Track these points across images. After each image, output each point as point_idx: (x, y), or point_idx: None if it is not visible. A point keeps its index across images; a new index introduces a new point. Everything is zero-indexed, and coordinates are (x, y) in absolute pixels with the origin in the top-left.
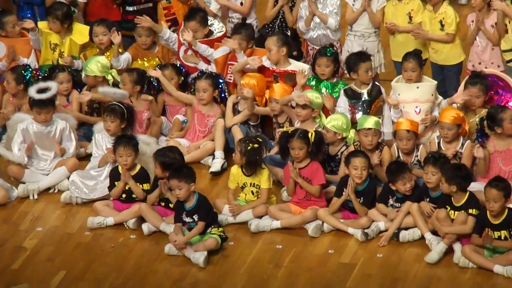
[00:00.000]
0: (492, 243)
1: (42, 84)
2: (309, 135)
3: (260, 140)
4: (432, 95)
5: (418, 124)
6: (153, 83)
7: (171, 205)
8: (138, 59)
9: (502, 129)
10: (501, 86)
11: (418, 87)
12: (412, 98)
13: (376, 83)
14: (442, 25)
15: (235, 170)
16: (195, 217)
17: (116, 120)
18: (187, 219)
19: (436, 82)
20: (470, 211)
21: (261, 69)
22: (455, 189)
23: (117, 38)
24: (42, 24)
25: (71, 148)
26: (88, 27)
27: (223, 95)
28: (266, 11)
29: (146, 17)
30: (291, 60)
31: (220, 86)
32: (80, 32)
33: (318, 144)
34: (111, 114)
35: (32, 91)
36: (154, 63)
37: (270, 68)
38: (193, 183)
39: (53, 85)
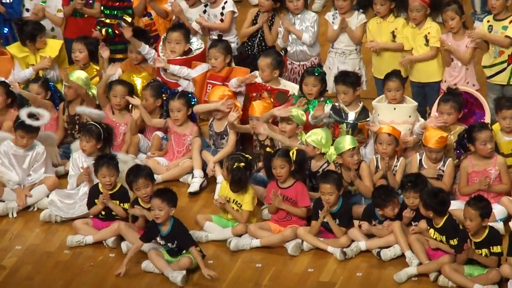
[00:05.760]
0: (473, 256)
1: (33, 109)
2: (291, 154)
3: (248, 158)
4: (410, 116)
5: (400, 132)
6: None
7: None
8: (128, 73)
9: (475, 148)
10: (471, 103)
11: (395, 108)
12: (389, 119)
13: (365, 107)
14: (427, 40)
15: (224, 183)
16: (171, 243)
17: (91, 140)
18: (162, 242)
19: (416, 103)
20: (451, 242)
21: (252, 85)
22: (431, 214)
23: (105, 52)
24: (12, 49)
25: (35, 177)
26: (60, 42)
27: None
28: (242, 28)
29: (127, 28)
30: (281, 80)
31: (193, 104)
32: (51, 47)
33: (300, 162)
34: (86, 134)
35: (23, 114)
36: (143, 77)
37: (263, 84)
38: (174, 208)
39: (45, 114)
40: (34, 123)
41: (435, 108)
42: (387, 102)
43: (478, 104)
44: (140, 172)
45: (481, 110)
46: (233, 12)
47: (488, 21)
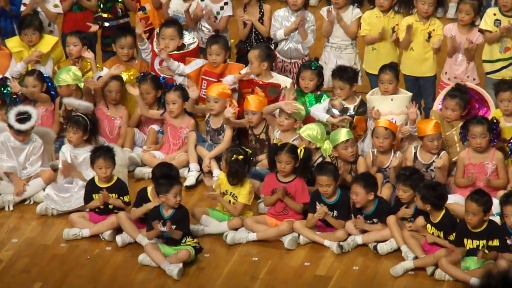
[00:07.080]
0: (486, 257)
1: (22, 108)
2: (298, 151)
3: (248, 152)
4: (407, 107)
5: (397, 126)
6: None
7: None
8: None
9: (467, 140)
10: (476, 100)
11: (392, 99)
12: (387, 111)
13: (363, 100)
14: (430, 37)
15: (222, 175)
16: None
17: (78, 132)
18: (163, 229)
19: (411, 94)
20: (450, 237)
21: (243, 80)
22: (429, 207)
23: (88, 54)
24: (10, 43)
25: (31, 170)
26: (56, 38)
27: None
28: (239, 31)
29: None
30: (273, 73)
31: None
32: (45, 42)
33: (306, 161)
34: (74, 125)
35: (12, 118)
36: (132, 74)
37: (254, 79)
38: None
39: (33, 113)
40: (22, 127)
41: (438, 100)
42: (381, 94)
43: (482, 100)
44: (176, 178)
45: (486, 107)
46: (230, 16)
47: (494, 14)
